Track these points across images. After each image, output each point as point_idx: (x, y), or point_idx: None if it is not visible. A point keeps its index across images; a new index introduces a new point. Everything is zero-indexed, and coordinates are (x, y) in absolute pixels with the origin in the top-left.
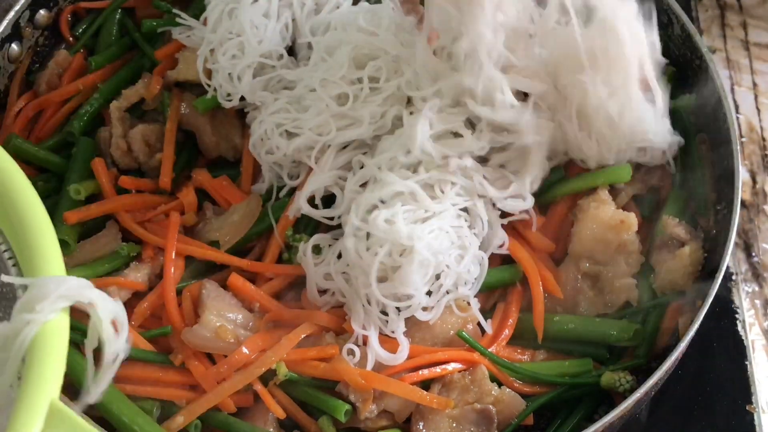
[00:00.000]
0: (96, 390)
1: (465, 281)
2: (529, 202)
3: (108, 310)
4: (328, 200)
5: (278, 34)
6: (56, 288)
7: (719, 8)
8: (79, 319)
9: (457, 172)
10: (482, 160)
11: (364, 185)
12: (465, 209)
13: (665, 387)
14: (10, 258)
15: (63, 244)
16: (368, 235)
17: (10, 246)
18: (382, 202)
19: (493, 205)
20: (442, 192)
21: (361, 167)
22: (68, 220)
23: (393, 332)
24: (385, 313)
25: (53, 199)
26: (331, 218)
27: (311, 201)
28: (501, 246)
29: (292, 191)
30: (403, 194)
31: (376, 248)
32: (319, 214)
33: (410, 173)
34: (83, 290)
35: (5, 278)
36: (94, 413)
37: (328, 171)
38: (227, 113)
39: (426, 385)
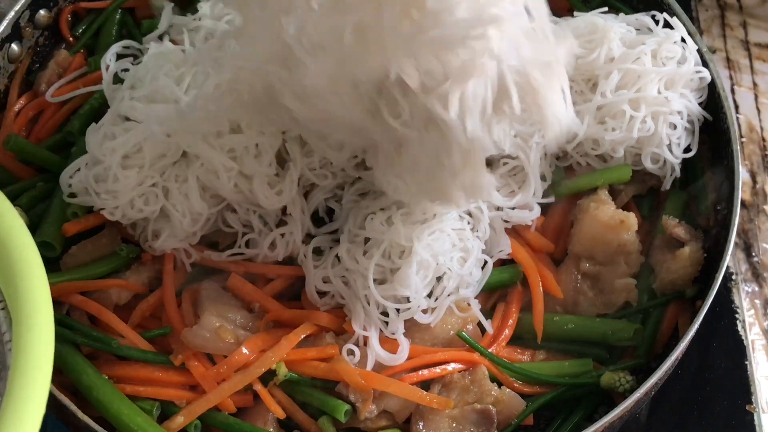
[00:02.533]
0: None
1: (467, 284)
2: (537, 212)
3: None
4: (331, 211)
5: None
6: None
7: (719, 8)
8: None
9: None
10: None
11: (361, 195)
12: (467, 212)
13: (665, 387)
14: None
15: (49, 246)
16: (366, 240)
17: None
18: (382, 210)
19: (497, 208)
20: None
21: (359, 179)
22: (67, 233)
23: (393, 333)
24: (386, 314)
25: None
26: (334, 231)
27: (315, 215)
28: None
29: None
30: (401, 201)
31: (372, 251)
32: (321, 231)
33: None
34: None
35: None
36: (94, 413)
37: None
38: None
39: (426, 385)
